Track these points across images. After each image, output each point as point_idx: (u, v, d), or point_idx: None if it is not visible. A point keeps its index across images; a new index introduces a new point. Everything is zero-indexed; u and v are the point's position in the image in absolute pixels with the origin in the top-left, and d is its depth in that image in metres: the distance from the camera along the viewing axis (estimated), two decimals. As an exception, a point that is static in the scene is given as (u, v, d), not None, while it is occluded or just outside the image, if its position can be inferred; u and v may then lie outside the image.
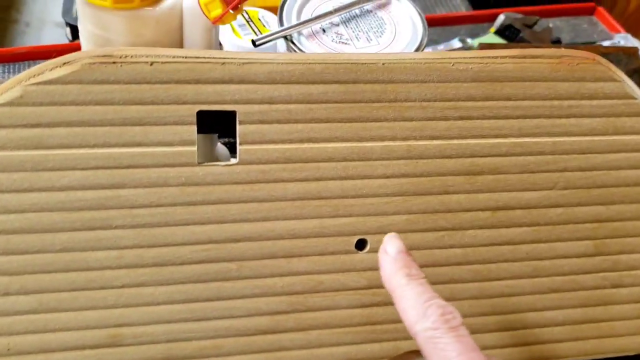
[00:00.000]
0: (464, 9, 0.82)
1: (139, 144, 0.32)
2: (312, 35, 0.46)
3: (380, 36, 0.47)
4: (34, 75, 0.30)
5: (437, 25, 0.72)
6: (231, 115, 0.32)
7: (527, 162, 0.36)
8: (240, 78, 0.32)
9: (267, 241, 0.34)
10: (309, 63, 0.33)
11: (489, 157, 0.36)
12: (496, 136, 0.36)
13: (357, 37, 0.46)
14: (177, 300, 0.33)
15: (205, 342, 0.34)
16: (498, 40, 0.67)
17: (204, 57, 0.32)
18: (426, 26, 0.48)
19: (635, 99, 0.37)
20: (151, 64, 0.31)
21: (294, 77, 0.33)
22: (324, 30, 0.47)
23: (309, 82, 0.33)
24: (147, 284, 0.33)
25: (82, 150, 0.31)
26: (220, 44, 0.52)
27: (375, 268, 0.35)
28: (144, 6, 0.40)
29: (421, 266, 0.35)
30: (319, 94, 0.33)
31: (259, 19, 0.58)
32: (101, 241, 0.32)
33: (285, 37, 0.46)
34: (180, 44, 0.42)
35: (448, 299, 0.27)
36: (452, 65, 0.34)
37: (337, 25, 0.48)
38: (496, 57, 0.35)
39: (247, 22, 0.58)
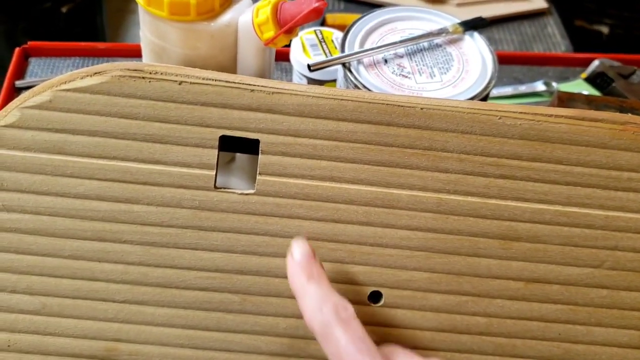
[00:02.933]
0: (563, 48, 0.78)
1: (158, 162, 0.31)
2: (373, 65, 0.45)
3: (445, 73, 0.45)
4: (65, 82, 0.31)
5: (525, 64, 0.68)
6: (254, 143, 0.31)
7: (572, 235, 0.33)
8: (268, 107, 0.31)
9: (275, 278, 0.32)
10: (341, 99, 0.31)
11: (529, 223, 0.32)
12: (540, 201, 0.32)
13: (419, 72, 0.44)
14: (176, 325, 0.32)
15: None
16: (587, 88, 0.62)
17: (234, 82, 0.31)
18: (497, 67, 0.45)
19: None
20: (180, 83, 0.31)
21: (323, 112, 0.31)
22: (385, 61, 0.45)
23: (339, 119, 0.31)
24: (149, 303, 0.32)
25: (101, 161, 0.31)
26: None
27: (389, 325, 0.33)
28: (200, 20, 0.39)
29: (438, 330, 0.33)
30: (348, 132, 0.31)
31: (332, 41, 0.56)
32: (109, 254, 0.32)
33: (343, 64, 0.44)
34: (234, 61, 0.42)
35: None
36: (499, 118, 0.32)
37: (402, 57, 0.46)
38: (550, 116, 0.32)
39: (320, 42, 0.57)
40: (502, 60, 0.69)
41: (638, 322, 0.33)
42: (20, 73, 0.58)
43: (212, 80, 0.31)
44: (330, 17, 0.74)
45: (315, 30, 0.57)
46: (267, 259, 0.32)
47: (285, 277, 0.32)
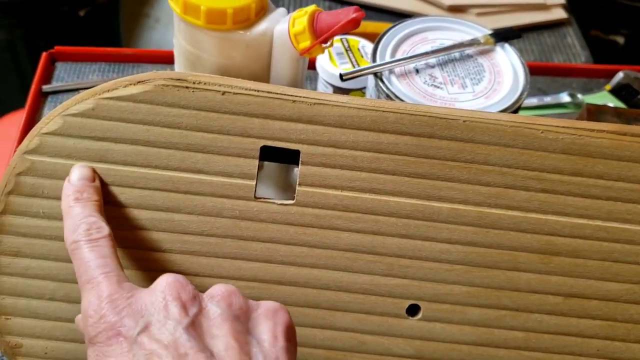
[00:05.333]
0: (583, 59, 0.77)
1: (200, 171, 0.31)
2: (404, 74, 0.45)
3: (477, 84, 0.44)
4: (108, 90, 0.31)
5: (549, 74, 0.68)
6: (295, 154, 0.31)
7: (612, 250, 0.32)
8: (309, 118, 0.31)
9: (312, 289, 0.32)
10: (382, 111, 0.31)
11: (570, 237, 0.32)
12: (581, 216, 0.32)
13: (451, 82, 0.44)
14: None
15: None
16: (612, 100, 0.62)
17: (276, 93, 0.31)
18: (529, 79, 0.45)
19: None
20: (223, 94, 0.31)
21: (364, 123, 0.31)
22: (417, 71, 0.45)
23: (380, 130, 0.31)
24: None
25: (143, 170, 0.31)
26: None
27: (427, 338, 0.33)
28: (235, 29, 0.39)
29: (475, 344, 0.33)
30: (389, 143, 0.31)
31: (359, 49, 0.56)
32: (149, 262, 0.32)
33: (375, 74, 0.44)
34: (268, 71, 0.42)
35: None
36: (541, 132, 0.32)
37: (433, 67, 0.45)
38: (592, 130, 0.32)
39: (346, 51, 0.57)
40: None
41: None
42: (47, 78, 0.59)
43: (255, 90, 0.31)
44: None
45: (341, 39, 0.57)
46: (306, 270, 0.32)
47: (323, 288, 0.32)
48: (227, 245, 0.32)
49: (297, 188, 0.31)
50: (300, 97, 0.31)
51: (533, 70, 0.69)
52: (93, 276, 0.26)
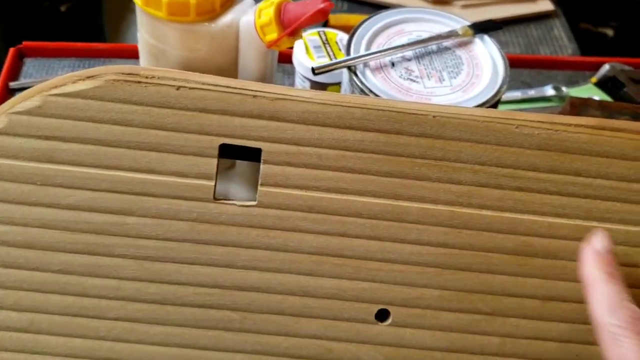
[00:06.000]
0: (570, 51, 0.76)
1: (154, 171, 0.29)
2: (379, 68, 0.43)
3: (455, 77, 0.43)
4: (56, 86, 0.29)
5: (533, 67, 0.67)
6: (256, 152, 0.30)
7: None
8: (271, 114, 0.29)
9: (277, 295, 0.30)
10: (349, 106, 0.29)
11: (547, 238, 0.31)
12: (558, 215, 0.31)
13: (428, 76, 0.43)
14: (172, 344, 0.31)
15: None
16: (597, 93, 0.60)
17: (235, 88, 0.29)
18: (508, 71, 0.43)
19: None
20: (178, 89, 0.29)
21: (329, 119, 0.29)
22: (393, 64, 0.43)
23: (346, 127, 0.30)
24: (143, 321, 0.30)
25: (93, 170, 0.29)
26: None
27: (397, 345, 0.31)
28: (199, 21, 0.38)
29: (448, 351, 0.31)
30: (355, 141, 0.30)
31: (336, 42, 0.55)
32: (101, 268, 0.30)
33: (348, 68, 0.43)
34: (235, 64, 0.40)
35: None
36: (516, 127, 0.30)
37: (409, 60, 0.44)
38: (569, 125, 0.30)
39: (323, 44, 0.55)
40: (510, 63, 0.67)
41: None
42: (15, 74, 0.57)
43: (212, 85, 0.29)
44: (333, 18, 0.72)
45: (318, 32, 0.55)
46: (269, 275, 0.30)
47: (288, 294, 0.31)
48: (184, 249, 0.30)
49: (259, 188, 0.30)
50: (261, 92, 0.29)
51: (517, 63, 0.67)
52: None
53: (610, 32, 1.24)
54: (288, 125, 0.29)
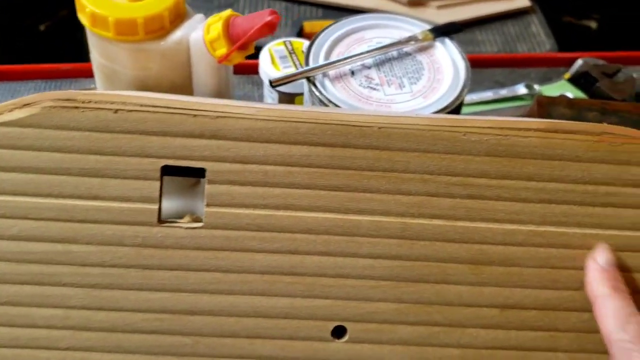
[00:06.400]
0: (548, 47, 0.75)
1: (96, 197, 0.29)
2: (339, 77, 0.42)
3: (415, 83, 0.42)
4: (-8, 116, 0.28)
5: (507, 66, 0.66)
6: (200, 172, 0.29)
7: (549, 256, 0.30)
8: (212, 133, 0.29)
9: (229, 317, 0.30)
10: (292, 121, 0.29)
11: (502, 245, 0.30)
12: (512, 222, 0.30)
13: (388, 83, 0.42)
14: (125, 371, 0.30)
15: None
16: (570, 89, 0.60)
17: (175, 108, 0.29)
18: (470, 74, 0.43)
19: (697, 191, 0.30)
20: (116, 112, 0.28)
21: (273, 135, 0.29)
22: (353, 73, 0.43)
23: (291, 142, 0.29)
24: (94, 349, 0.30)
25: (34, 199, 0.29)
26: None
27: (354, 361, 0.30)
28: (149, 40, 0.37)
29: (408, 364, 0.31)
30: (301, 156, 0.29)
31: (303, 52, 0.54)
32: (48, 298, 0.29)
33: (307, 79, 0.42)
34: (190, 80, 0.40)
35: None
36: (464, 135, 0.29)
37: (369, 68, 0.43)
38: (519, 129, 0.29)
39: (289, 54, 0.55)
40: (482, 63, 0.66)
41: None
42: (-21, 99, 0.56)
43: (151, 107, 0.29)
44: (308, 25, 0.72)
45: (284, 42, 0.55)
46: (220, 297, 0.30)
47: (240, 315, 0.30)
48: (131, 275, 0.29)
49: (205, 209, 0.29)
50: (202, 110, 0.29)
51: (490, 63, 0.67)
52: None
53: (593, 24, 1.24)
54: (231, 143, 0.29)
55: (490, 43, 0.76)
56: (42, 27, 1.23)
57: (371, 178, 0.29)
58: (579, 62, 0.63)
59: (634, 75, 0.61)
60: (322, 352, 0.30)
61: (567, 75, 0.62)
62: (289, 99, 0.52)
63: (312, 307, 0.30)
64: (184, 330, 0.30)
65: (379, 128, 0.29)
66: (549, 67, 0.66)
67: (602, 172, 0.30)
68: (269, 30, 0.35)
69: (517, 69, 0.66)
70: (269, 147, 0.29)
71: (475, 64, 0.68)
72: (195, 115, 0.29)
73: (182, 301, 0.30)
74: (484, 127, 0.29)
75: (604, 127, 0.30)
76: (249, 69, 0.60)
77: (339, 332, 0.30)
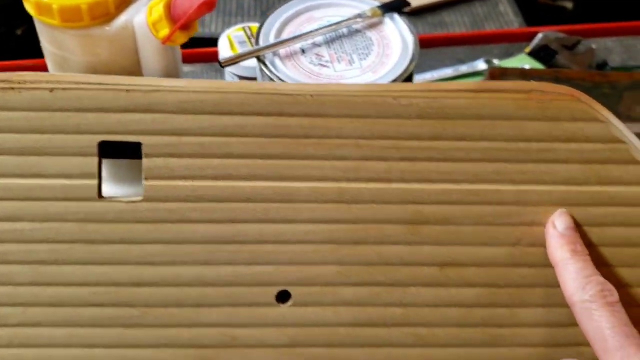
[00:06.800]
0: (516, 25, 0.76)
1: (37, 175, 0.29)
2: (289, 56, 0.43)
3: (365, 58, 0.43)
4: None
5: (467, 44, 0.67)
6: (137, 147, 0.30)
7: (484, 213, 0.31)
8: (146, 107, 0.29)
9: (173, 287, 0.31)
10: (225, 92, 0.30)
11: (437, 204, 0.31)
12: (446, 181, 0.31)
13: (338, 59, 0.43)
14: (76, 344, 0.31)
15: None
16: (530, 62, 0.60)
17: (108, 84, 0.29)
18: (418, 48, 0.43)
19: (624, 142, 0.31)
20: (51, 90, 0.29)
21: (207, 107, 0.30)
22: (303, 51, 0.43)
23: (225, 113, 0.30)
24: (44, 324, 0.30)
25: None
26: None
27: (300, 324, 0.31)
28: (94, 25, 0.38)
29: (352, 325, 0.31)
30: (236, 126, 0.30)
31: (261, 36, 0.55)
32: None
33: (258, 58, 0.43)
34: (139, 64, 0.40)
35: None
36: (394, 99, 0.30)
37: (320, 45, 0.44)
38: (448, 91, 0.30)
39: (248, 38, 0.55)
40: (445, 42, 0.67)
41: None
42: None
43: (85, 84, 0.29)
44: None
45: (244, 27, 0.56)
46: (164, 268, 0.30)
47: (185, 285, 0.31)
48: (76, 250, 0.30)
49: (144, 183, 0.30)
50: (134, 85, 0.29)
51: (452, 41, 0.67)
52: (622, 345, 0.26)
53: (569, 4, 1.24)
54: (165, 116, 0.29)
55: (458, 24, 0.76)
56: (19, 32, 1.23)
57: (307, 145, 0.30)
58: (539, 35, 0.63)
59: (593, 46, 0.62)
60: (268, 317, 0.31)
61: (528, 49, 0.63)
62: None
63: (255, 273, 0.31)
64: (131, 302, 0.30)
65: (312, 96, 0.30)
66: (511, 43, 0.67)
67: (533, 129, 0.30)
68: (208, 8, 0.36)
69: (479, 45, 0.67)
70: (204, 118, 0.30)
71: (438, 43, 0.68)
72: (127, 90, 0.29)
73: (127, 274, 0.30)
74: (413, 91, 0.30)
75: (532, 84, 0.30)
76: (210, 57, 0.61)
77: (283, 297, 0.31)
